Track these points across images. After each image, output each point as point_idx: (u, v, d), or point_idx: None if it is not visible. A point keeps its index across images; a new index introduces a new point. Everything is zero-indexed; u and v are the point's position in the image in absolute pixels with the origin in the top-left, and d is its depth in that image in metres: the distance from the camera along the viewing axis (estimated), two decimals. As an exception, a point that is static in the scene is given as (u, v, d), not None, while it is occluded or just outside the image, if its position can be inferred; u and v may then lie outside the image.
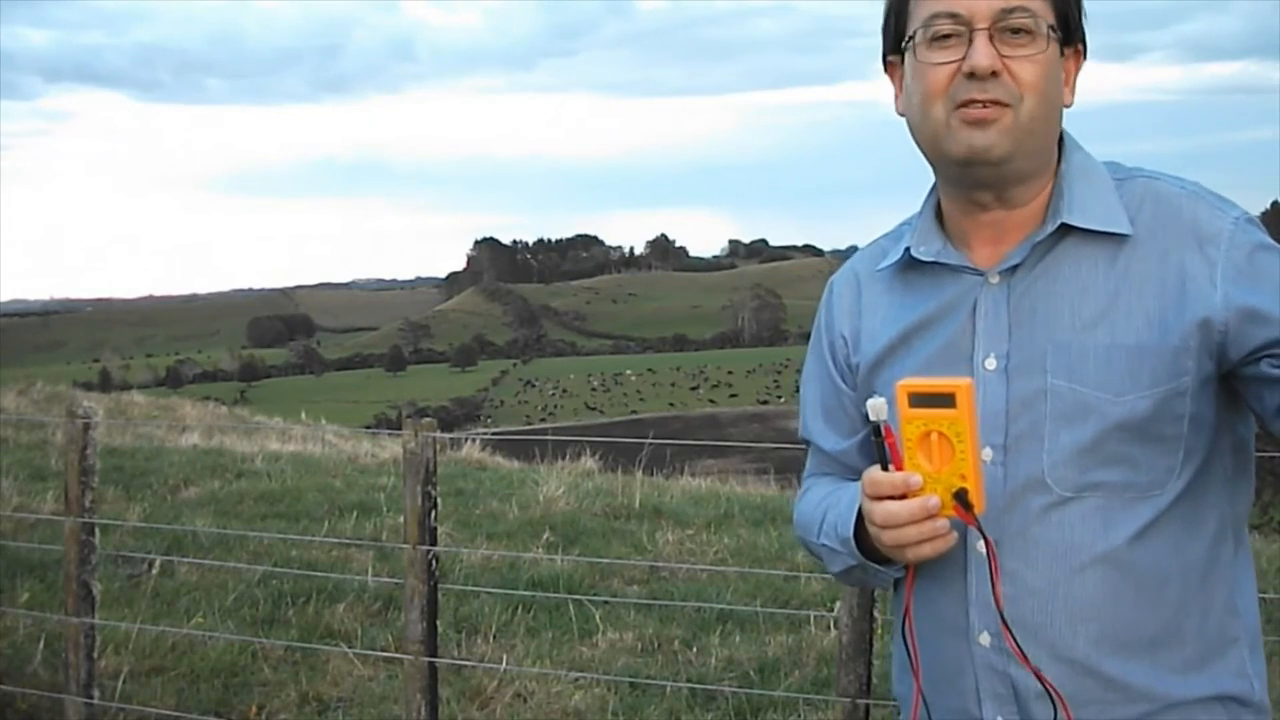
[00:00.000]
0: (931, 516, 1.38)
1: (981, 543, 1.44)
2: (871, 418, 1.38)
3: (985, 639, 1.47)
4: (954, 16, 1.44)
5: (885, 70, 1.57)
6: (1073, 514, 1.43)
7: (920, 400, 1.36)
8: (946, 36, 1.45)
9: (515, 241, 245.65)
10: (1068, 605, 1.43)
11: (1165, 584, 1.44)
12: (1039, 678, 1.41)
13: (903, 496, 1.38)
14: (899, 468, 1.39)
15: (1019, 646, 1.41)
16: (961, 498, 1.36)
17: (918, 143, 1.52)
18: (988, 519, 1.41)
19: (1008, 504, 1.45)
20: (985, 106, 1.42)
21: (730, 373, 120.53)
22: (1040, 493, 1.44)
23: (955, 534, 1.41)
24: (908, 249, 1.56)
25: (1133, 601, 1.44)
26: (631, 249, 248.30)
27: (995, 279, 1.50)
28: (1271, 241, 1.45)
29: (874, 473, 1.41)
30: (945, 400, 1.35)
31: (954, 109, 1.44)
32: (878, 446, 1.39)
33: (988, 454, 1.46)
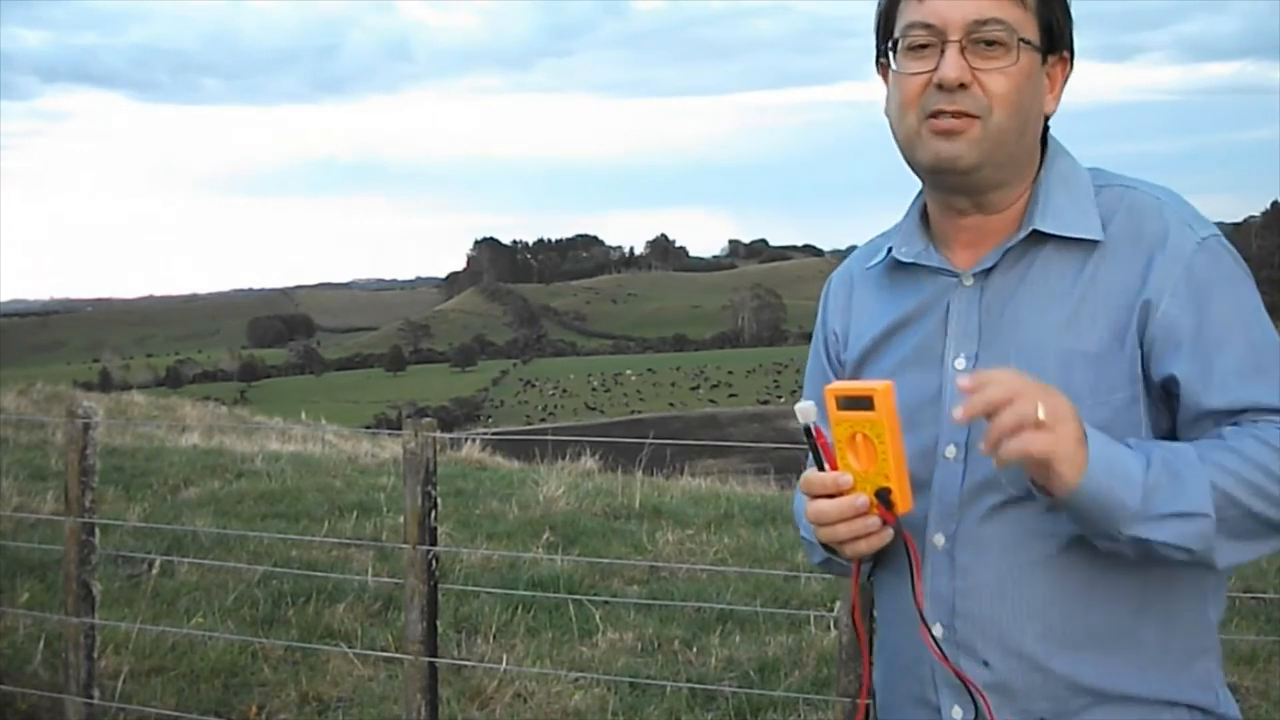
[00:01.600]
0: (862, 514, 1.42)
1: (939, 537, 1.50)
2: (800, 420, 1.43)
3: (938, 630, 1.50)
4: (928, 27, 1.48)
5: (878, 71, 1.59)
6: (1026, 513, 1.45)
7: (846, 403, 1.41)
8: (922, 46, 1.49)
9: (515, 241, 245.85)
10: (1015, 601, 1.47)
11: (1118, 587, 1.46)
12: (958, 675, 1.46)
13: (836, 495, 1.43)
14: (833, 468, 1.44)
15: (938, 645, 1.46)
16: (883, 496, 1.41)
17: (897, 144, 1.56)
18: (946, 513, 1.49)
19: (965, 500, 1.49)
20: (954, 118, 1.47)
21: (730, 373, 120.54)
22: (994, 491, 1.47)
23: (890, 531, 1.45)
24: (890, 249, 1.61)
25: (1081, 601, 1.46)
26: (631, 249, 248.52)
27: (969, 281, 1.54)
28: (1231, 268, 1.48)
29: (809, 473, 1.47)
30: (865, 403, 1.39)
31: (924, 118, 1.49)
32: (810, 448, 1.44)
33: (951, 451, 1.51)
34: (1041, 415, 1.30)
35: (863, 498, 1.41)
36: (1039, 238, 1.50)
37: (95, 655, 4.34)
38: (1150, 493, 1.35)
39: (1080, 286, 1.48)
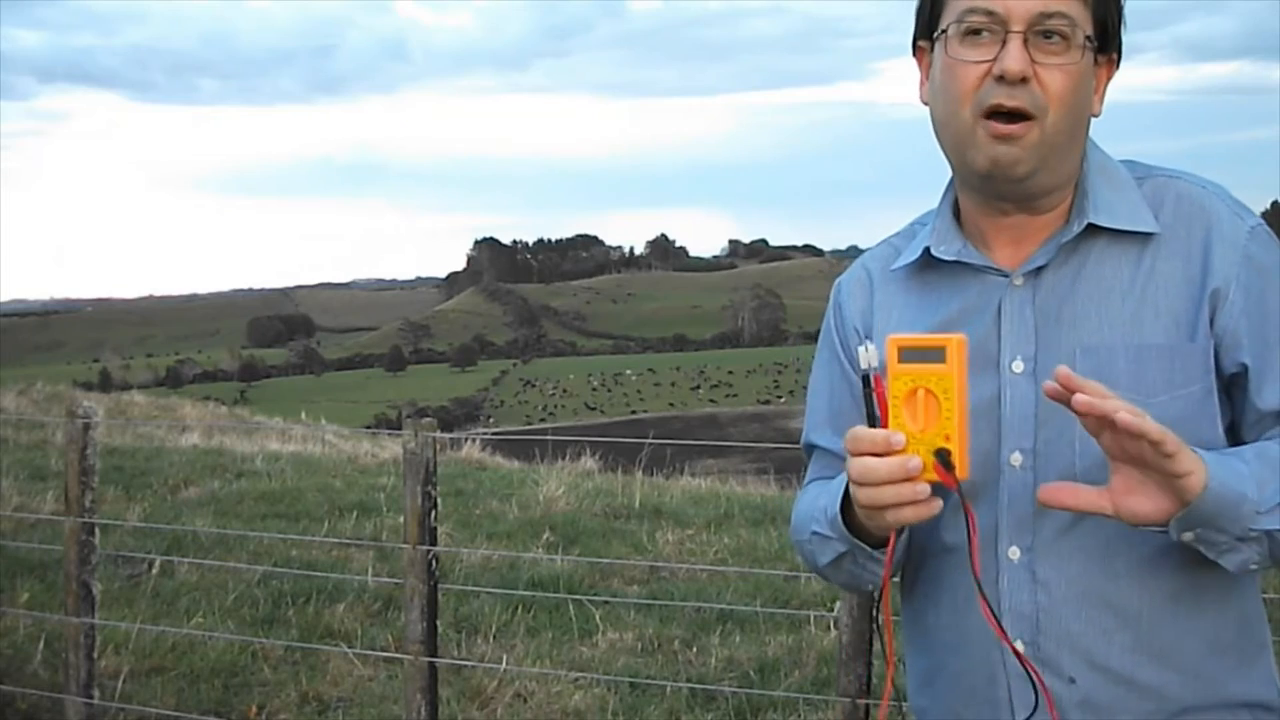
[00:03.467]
0: (911, 479, 1.31)
1: (1014, 550, 1.43)
2: (861, 365, 1.33)
3: (1019, 646, 1.43)
4: (990, 14, 1.40)
5: (914, 54, 1.53)
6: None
7: (910, 355, 1.31)
8: (979, 33, 1.41)
9: (515, 241, 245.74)
10: (1104, 613, 1.41)
11: (1204, 591, 1.42)
12: (1025, 665, 1.38)
13: (886, 455, 1.32)
14: (885, 423, 1.33)
15: (1003, 629, 1.39)
16: (943, 457, 1.30)
17: (939, 138, 1.48)
18: (1020, 525, 1.42)
19: (1040, 510, 1.41)
20: (1012, 120, 1.39)
21: (730, 373, 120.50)
22: None
23: (940, 502, 1.34)
24: (927, 248, 1.52)
25: (1170, 609, 1.42)
26: (631, 249, 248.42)
27: (1019, 280, 1.47)
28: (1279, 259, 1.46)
29: (857, 428, 1.35)
30: (935, 355, 1.30)
31: (980, 117, 1.41)
32: (865, 398, 1.34)
33: (1017, 459, 1.44)
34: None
35: (916, 459, 1.30)
36: (1091, 232, 1.45)
37: (95, 655, 4.34)
38: (1262, 485, 1.32)
39: (1140, 280, 1.44)
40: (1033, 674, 1.39)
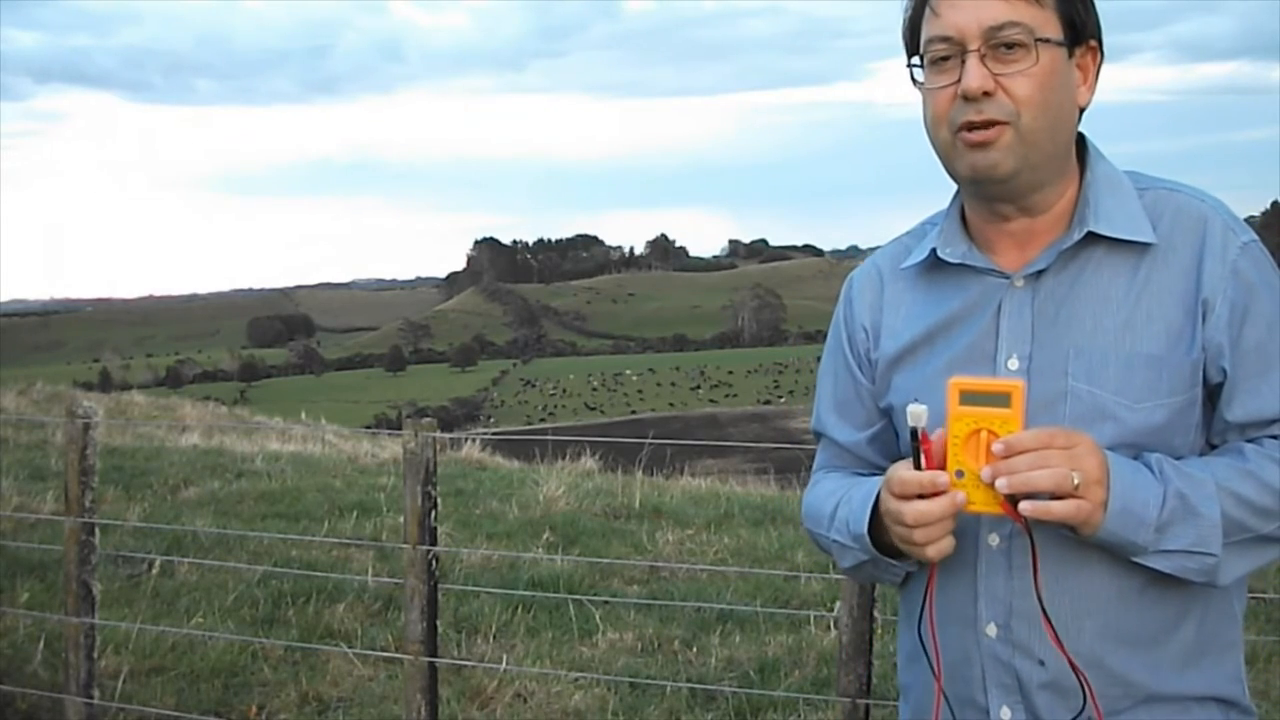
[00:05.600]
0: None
1: (993, 537, 1.50)
2: (910, 423, 1.41)
3: (992, 630, 1.51)
4: (947, 40, 1.48)
5: (914, 85, 1.60)
6: None
7: (972, 398, 1.38)
8: (944, 59, 1.49)
9: (515, 241, 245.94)
10: (1074, 600, 1.47)
11: (1171, 585, 1.47)
12: (1074, 668, 1.44)
13: (925, 496, 1.42)
14: (930, 469, 1.42)
15: (1057, 636, 1.44)
16: (1013, 498, 1.38)
17: (937, 157, 1.56)
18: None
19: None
20: (984, 128, 1.47)
21: (730, 373, 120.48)
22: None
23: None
24: (934, 250, 1.59)
25: (1136, 597, 1.47)
26: (631, 249, 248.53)
27: (1020, 282, 1.54)
28: (1270, 274, 1.51)
29: (903, 472, 1.44)
30: (999, 399, 1.37)
31: (956, 131, 1.49)
32: (914, 450, 1.42)
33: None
34: (1076, 482, 1.36)
35: (961, 495, 1.39)
36: (1091, 240, 1.51)
37: (95, 655, 4.34)
38: (1162, 529, 1.41)
39: (1135, 288, 1.49)
40: (1083, 681, 1.44)
